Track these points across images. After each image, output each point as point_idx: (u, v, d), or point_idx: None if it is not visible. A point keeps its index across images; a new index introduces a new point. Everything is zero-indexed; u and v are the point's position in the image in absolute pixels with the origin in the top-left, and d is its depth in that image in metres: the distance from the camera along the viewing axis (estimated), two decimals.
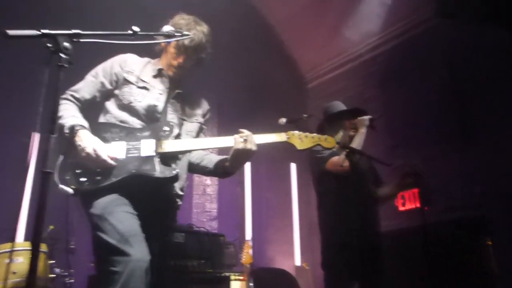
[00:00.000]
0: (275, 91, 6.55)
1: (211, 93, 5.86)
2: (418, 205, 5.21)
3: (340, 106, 3.45)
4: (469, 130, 5.06)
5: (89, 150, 2.01)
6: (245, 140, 2.18)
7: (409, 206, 5.37)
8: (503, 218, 4.22)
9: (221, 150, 2.32)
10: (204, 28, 2.38)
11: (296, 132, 2.30)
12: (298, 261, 6.21)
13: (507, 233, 4.11)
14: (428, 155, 5.04)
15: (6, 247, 3.03)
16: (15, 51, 4.03)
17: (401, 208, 5.42)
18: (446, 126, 5.21)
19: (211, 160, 2.42)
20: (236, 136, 2.21)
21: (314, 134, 2.32)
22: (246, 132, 2.21)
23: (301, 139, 2.29)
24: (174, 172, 2.13)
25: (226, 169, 2.32)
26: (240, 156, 2.22)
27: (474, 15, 4.56)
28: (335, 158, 3.11)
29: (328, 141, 2.32)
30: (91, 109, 2.31)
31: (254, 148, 2.19)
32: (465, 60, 5.14)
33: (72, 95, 2.25)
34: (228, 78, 6.07)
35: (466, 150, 5.01)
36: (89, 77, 2.33)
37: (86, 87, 2.29)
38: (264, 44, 6.64)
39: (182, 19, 2.36)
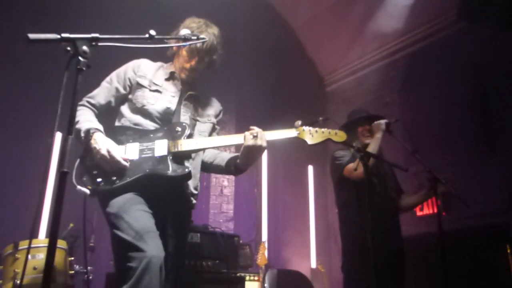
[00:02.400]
0: (294, 94, 6.53)
1: (230, 95, 5.91)
2: (436, 210, 5.12)
3: (359, 113, 3.43)
4: (492, 137, 4.95)
5: (103, 152, 2.08)
6: (255, 137, 2.20)
7: (427, 211, 5.30)
8: None
9: (238, 149, 2.33)
10: (214, 30, 2.40)
11: (307, 127, 2.30)
12: (314, 264, 6.17)
13: None
14: (450, 161, 4.95)
15: (27, 243, 3.10)
16: (37, 54, 4.13)
17: (419, 214, 5.34)
18: (469, 132, 5.11)
19: (223, 158, 2.45)
20: (246, 133, 2.23)
21: (325, 129, 2.32)
22: (256, 128, 2.23)
23: (312, 134, 2.28)
24: (186, 170, 2.17)
25: (237, 166, 2.34)
26: (250, 152, 2.24)
27: (497, 23, 4.46)
28: (351, 165, 3.10)
29: (338, 135, 2.32)
30: (107, 114, 2.38)
31: (264, 144, 2.21)
32: (492, 66, 5.02)
33: (88, 101, 2.33)
34: (248, 80, 6.09)
35: (488, 157, 4.91)
36: (104, 84, 2.40)
37: (101, 93, 2.36)
38: (284, 47, 6.63)
39: (193, 22, 2.39)
